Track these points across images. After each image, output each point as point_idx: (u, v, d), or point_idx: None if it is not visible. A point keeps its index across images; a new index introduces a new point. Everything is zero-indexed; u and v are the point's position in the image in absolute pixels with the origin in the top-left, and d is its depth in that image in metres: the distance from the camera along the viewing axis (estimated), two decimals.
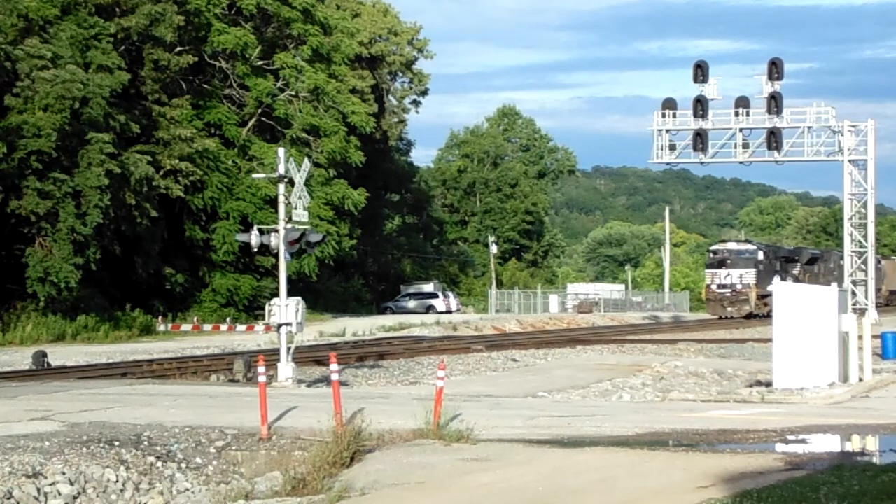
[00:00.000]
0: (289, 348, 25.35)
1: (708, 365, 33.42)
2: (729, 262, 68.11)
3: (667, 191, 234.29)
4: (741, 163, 57.26)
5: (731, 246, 71.16)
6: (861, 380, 25.00)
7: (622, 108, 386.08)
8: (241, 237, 28.02)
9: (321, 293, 67.89)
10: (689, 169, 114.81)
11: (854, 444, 15.66)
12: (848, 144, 55.89)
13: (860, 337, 25.84)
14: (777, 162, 56.47)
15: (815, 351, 23.80)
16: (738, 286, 67.26)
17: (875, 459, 13.90)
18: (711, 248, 75.30)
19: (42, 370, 29.37)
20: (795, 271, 71.07)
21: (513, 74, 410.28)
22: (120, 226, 47.04)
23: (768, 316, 61.21)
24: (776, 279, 49.51)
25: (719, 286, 67.92)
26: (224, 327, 31.74)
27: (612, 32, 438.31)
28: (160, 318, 34.90)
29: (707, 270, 71.04)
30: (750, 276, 67.20)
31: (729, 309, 67.17)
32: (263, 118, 58.86)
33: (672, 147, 56.97)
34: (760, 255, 68.58)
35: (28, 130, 42.48)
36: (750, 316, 65.80)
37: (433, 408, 15.88)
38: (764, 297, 65.62)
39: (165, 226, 52.32)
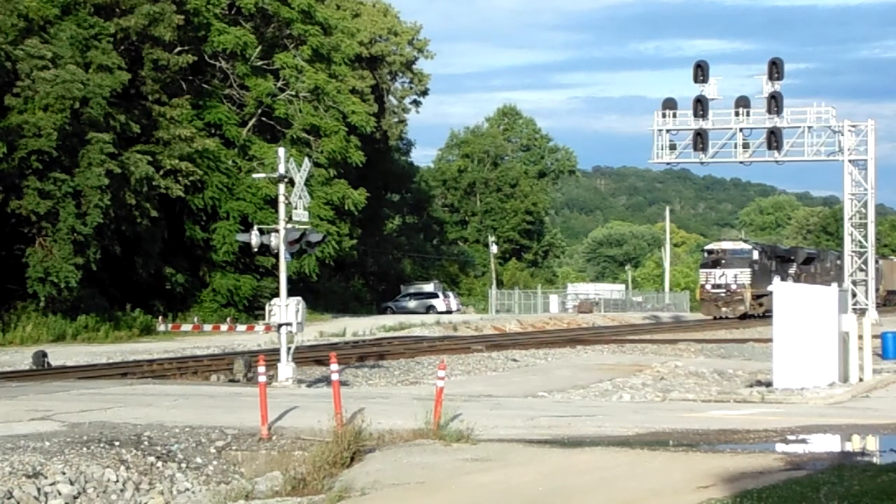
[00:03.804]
0: (289, 348, 25.36)
1: (708, 365, 33.43)
2: (724, 261, 67.47)
3: (667, 191, 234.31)
4: (741, 163, 57.28)
5: (726, 245, 70.52)
6: (861, 380, 25.00)
7: (620, 109, 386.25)
8: (242, 237, 28.03)
9: (321, 293, 67.92)
10: (689, 169, 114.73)
11: (854, 444, 15.66)
12: (848, 144, 55.92)
13: (860, 337, 25.85)
14: (777, 162, 56.49)
15: (815, 351, 23.80)
16: (733, 286, 66.70)
17: (875, 459, 13.90)
18: (706, 247, 74.70)
19: (42, 370, 29.38)
20: (791, 271, 70.76)
21: (510, 74, 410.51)
22: (120, 226, 47.04)
23: (763, 316, 61.35)
24: (776, 279, 49.40)
25: (714, 286, 67.36)
26: (224, 327, 31.75)
27: (608, 32, 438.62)
28: (160, 318, 34.90)
29: (701, 270, 70.18)
30: (745, 275, 66.67)
31: (724, 309, 66.67)
32: (263, 118, 58.86)
33: (672, 147, 56.98)
34: (755, 255, 68.18)
35: (28, 130, 42.49)
36: (745, 316, 65.45)
37: (433, 408, 15.88)
38: (759, 297, 65.40)
39: (165, 226, 52.33)
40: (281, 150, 26.75)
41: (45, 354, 31.05)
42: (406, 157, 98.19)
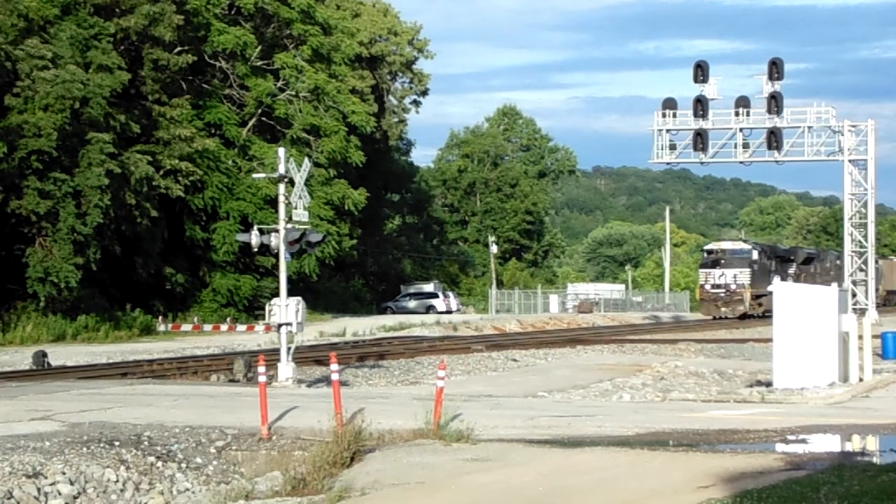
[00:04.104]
0: (289, 348, 25.36)
1: (708, 365, 33.43)
2: (723, 261, 67.28)
3: (667, 191, 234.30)
4: (741, 163, 57.28)
5: (726, 245, 70.37)
6: (861, 380, 25.00)
7: (619, 109, 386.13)
8: (242, 237, 28.03)
9: (321, 293, 67.92)
10: (689, 169, 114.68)
11: (854, 444, 15.66)
12: (848, 144, 55.91)
13: (860, 337, 25.84)
14: (777, 162, 56.48)
15: (815, 351, 23.80)
16: (733, 286, 66.52)
17: (875, 459, 13.90)
18: (705, 247, 74.65)
19: (42, 370, 29.38)
20: (791, 271, 70.63)
21: (510, 75, 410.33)
22: (120, 226, 47.05)
23: (763, 316, 61.25)
24: (775, 279, 49.24)
25: (713, 286, 67.17)
26: (224, 327, 31.78)
27: (607, 32, 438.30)
28: (160, 318, 34.91)
29: (701, 270, 69.97)
30: (744, 275, 66.50)
31: (723, 309, 66.51)
32: (263, 118, 58.86)
33: (672, 147, 56.97)
34: (755, 255, 68.05)
35: (28, 130, 42.50)
36: (744, 316, 65.33)
37: (433, 408, 15.88)
38: (759, 297, 65.30)
39: (165, 226, 52.33)
40: (281, 150, 26.76)
41: (45, 354, 31.05)
42: (406, 157, 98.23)
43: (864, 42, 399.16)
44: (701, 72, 55.20)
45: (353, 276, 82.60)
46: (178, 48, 52.51)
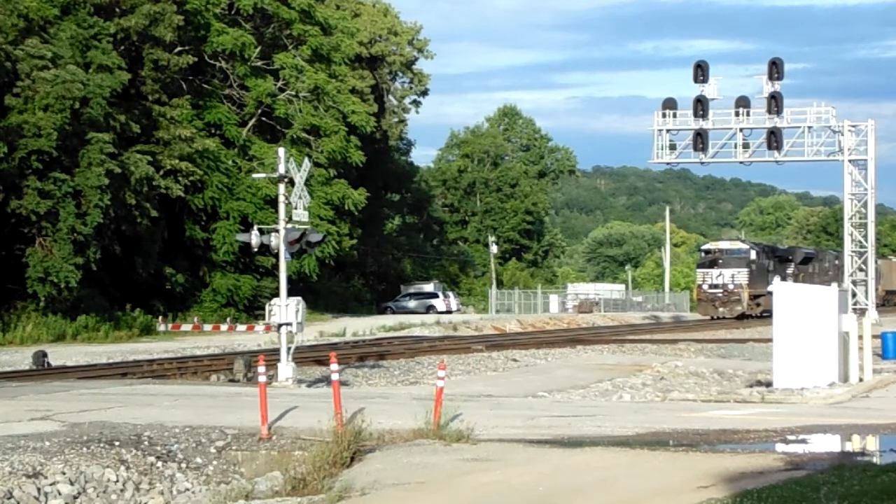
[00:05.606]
0: (289, 348, 25.36)
1: (708, 365, 33.42)
2: (721, 261, 67.17)
3: (667, 191, 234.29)
4: (741, 163, 57.28)
5: (723, 245, 70.27)
6: (861, 380, 24.99)
7: (619, 109, 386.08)
8: (242, 237, 28.04)
9: (321, 293, 67.91)
10: (689, 169, 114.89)
11: (854, 444, 15.66)
12: (848, 144, 55.91)
13: (860, 337, 25.84)
14: (777, 162, 56.48)
15: (815, 351, 23.80)
16: (731, 286, 66.41)
17: (875, 459, 13.89)
18: (703, 247, 74.52)
19: (42, 370, 29.37)
20: (789, 271, 70.52)
21: (509, 75, 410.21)
22: (120, 226, 47.06)
23: (761, 316, 61.20)
24: (776, 279, 49.00)
25: (711, 286, 67.04)
26: (224, 327, 31.74)
27: (606, 32, 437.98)
28: (160, 318, 34.87)
29: (699, 270, 69.88)
30: (742, 275, 66.41)
31: (721, 309, 66.41)
32: (263, 118, 58.86)
33: (672, 147, 56.97)
34: (753, 255, 67.95)
35: (28, 130, 42.51)
36: (742, 316, 65.25)
37: (433, 408, 15.88)
38: (756, 297, 65.22)
39: (165, 226, 52.34)
40: (281, 150, 26.76)
41: (45, 354, 31.04)
42: (406, 157, 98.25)
43: (864, 42, 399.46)
44: (701, 72, 55.20)
45: (353, 276, 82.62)
46: (178, 48, 52.51)
